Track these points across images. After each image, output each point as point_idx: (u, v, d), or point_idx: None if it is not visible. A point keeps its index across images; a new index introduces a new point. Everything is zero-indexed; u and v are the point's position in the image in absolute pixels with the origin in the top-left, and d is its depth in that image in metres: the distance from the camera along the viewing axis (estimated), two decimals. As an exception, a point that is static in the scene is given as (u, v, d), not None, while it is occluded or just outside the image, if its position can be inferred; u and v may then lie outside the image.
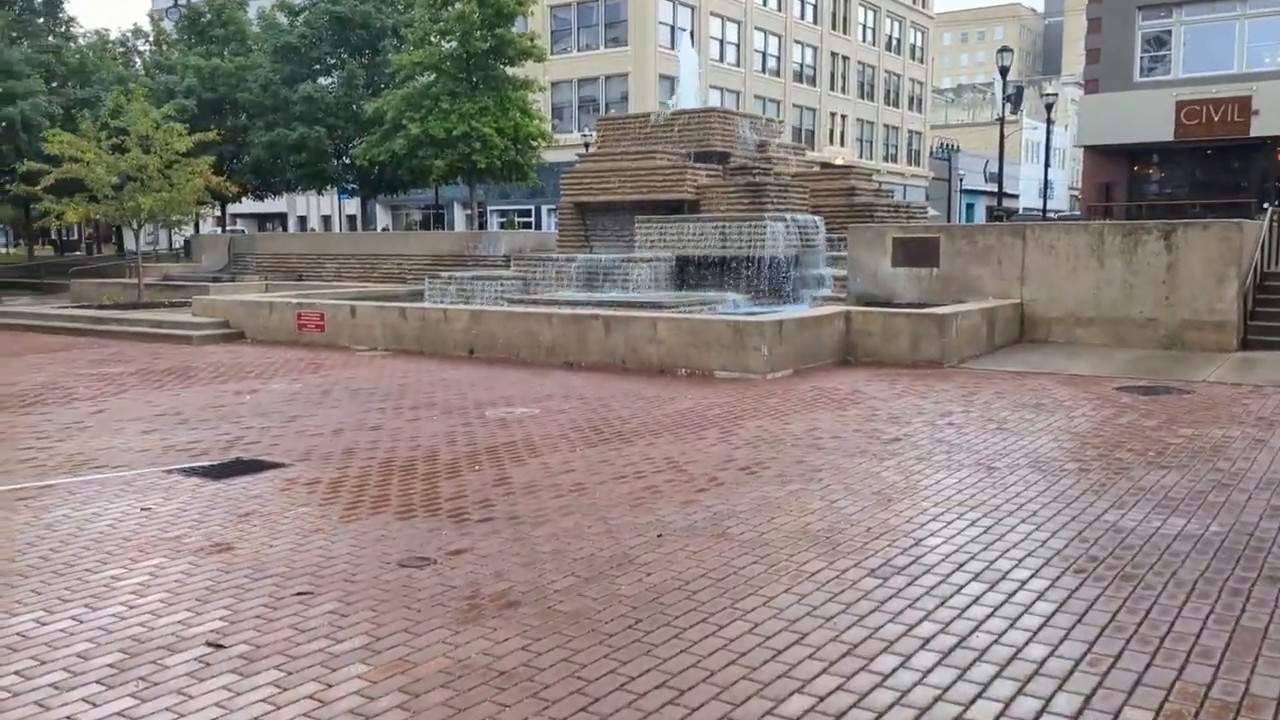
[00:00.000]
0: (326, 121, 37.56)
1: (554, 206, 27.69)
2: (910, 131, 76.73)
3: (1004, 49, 30.22)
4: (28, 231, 49.31)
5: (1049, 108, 36.09)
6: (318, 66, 39.52)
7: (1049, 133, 36.34)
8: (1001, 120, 32.58)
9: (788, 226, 17.86)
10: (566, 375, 13.24)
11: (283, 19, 40.17)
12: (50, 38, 37.91)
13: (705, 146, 21.48)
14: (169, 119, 23.02)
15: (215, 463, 8.07)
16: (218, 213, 47.64)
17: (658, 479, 7.38)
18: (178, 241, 57.62)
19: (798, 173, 22.15)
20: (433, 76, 34.00)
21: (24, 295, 32.47)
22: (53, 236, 69.07)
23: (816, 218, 18.98)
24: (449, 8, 32.71)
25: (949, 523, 6.26)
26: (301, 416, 10.25)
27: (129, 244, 68.67)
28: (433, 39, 33.38)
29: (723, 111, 22.31)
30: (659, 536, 5.97)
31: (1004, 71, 29.34)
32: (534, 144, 36.00)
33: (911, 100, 76.83)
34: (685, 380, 12.61)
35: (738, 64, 58.39)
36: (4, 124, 31.20)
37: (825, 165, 26.73)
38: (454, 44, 33.22)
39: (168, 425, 9.76)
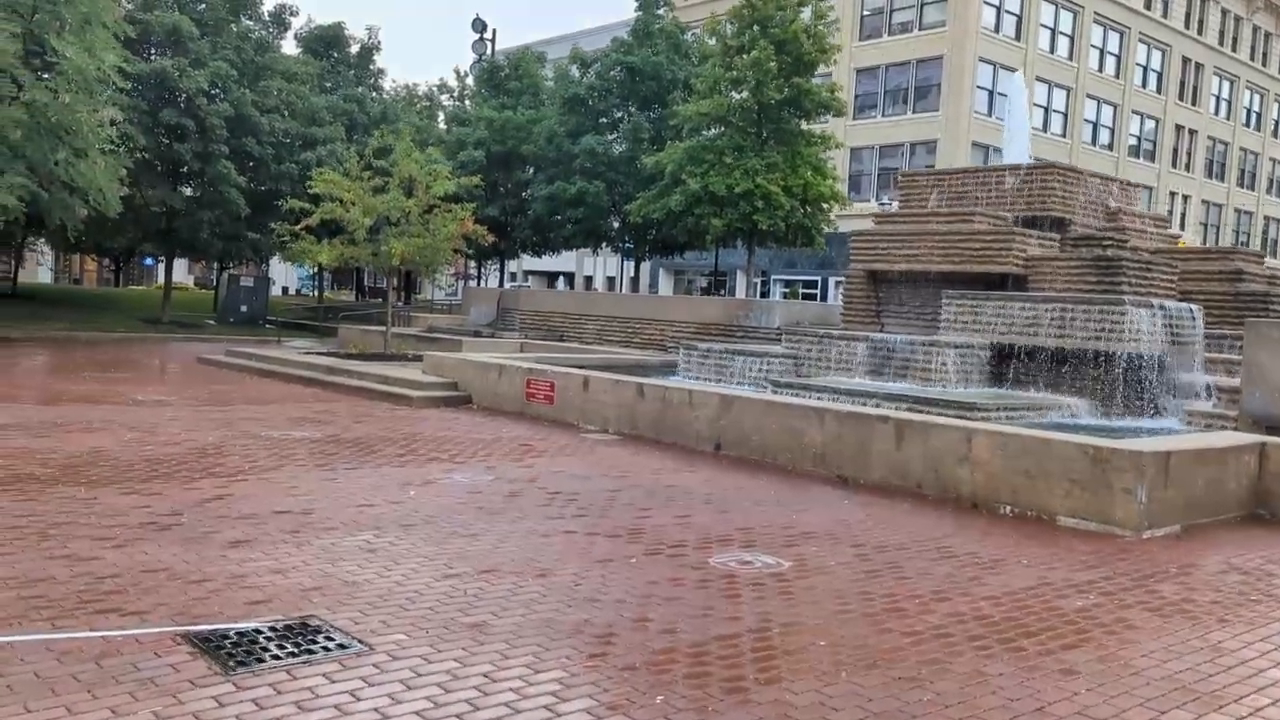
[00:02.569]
0: (607, 176, 35.75)
1: (841, 279, 24.02)
2: (1267, 218, 66.70)
3: None
4: (325, 274, 51.29)
5: None
6: (604, 120, 37.94)
7: None
8: None
9: (1156, 316, 13.34)
10: (837, 497, 9.66)
11: (575, 71, 39.07)
12: (359, 88, 38.91)
13: (1038, 210, 17.22)
14: (434, 162, 21.55)
15: (267, 626, 5.16)
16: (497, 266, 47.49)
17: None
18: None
19: (1159, 249, 17.39)
20: (719, 130, 31.36)
21: (303, 338, 32.66)
22: (365, 281, 72.72)
23: (1193, 306, 14.29)
24: (743, 55, 29.99)
25: None
26: (457, 535, 7.29)
27: (425, 291, 71.42)
28: (722, 88, 30.72)
29: (1065, 168, 17.89)
30: None
31: None
32: (825, 206, 32.36)
33: (1271, 183, 66.90)
34: (1010, 525, 8.70)
35: (1063, 134, 52.52)
36: (302, 167, 31.64)
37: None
38: (745, 94, 30.40)
39: (274, 534, 7.06)
